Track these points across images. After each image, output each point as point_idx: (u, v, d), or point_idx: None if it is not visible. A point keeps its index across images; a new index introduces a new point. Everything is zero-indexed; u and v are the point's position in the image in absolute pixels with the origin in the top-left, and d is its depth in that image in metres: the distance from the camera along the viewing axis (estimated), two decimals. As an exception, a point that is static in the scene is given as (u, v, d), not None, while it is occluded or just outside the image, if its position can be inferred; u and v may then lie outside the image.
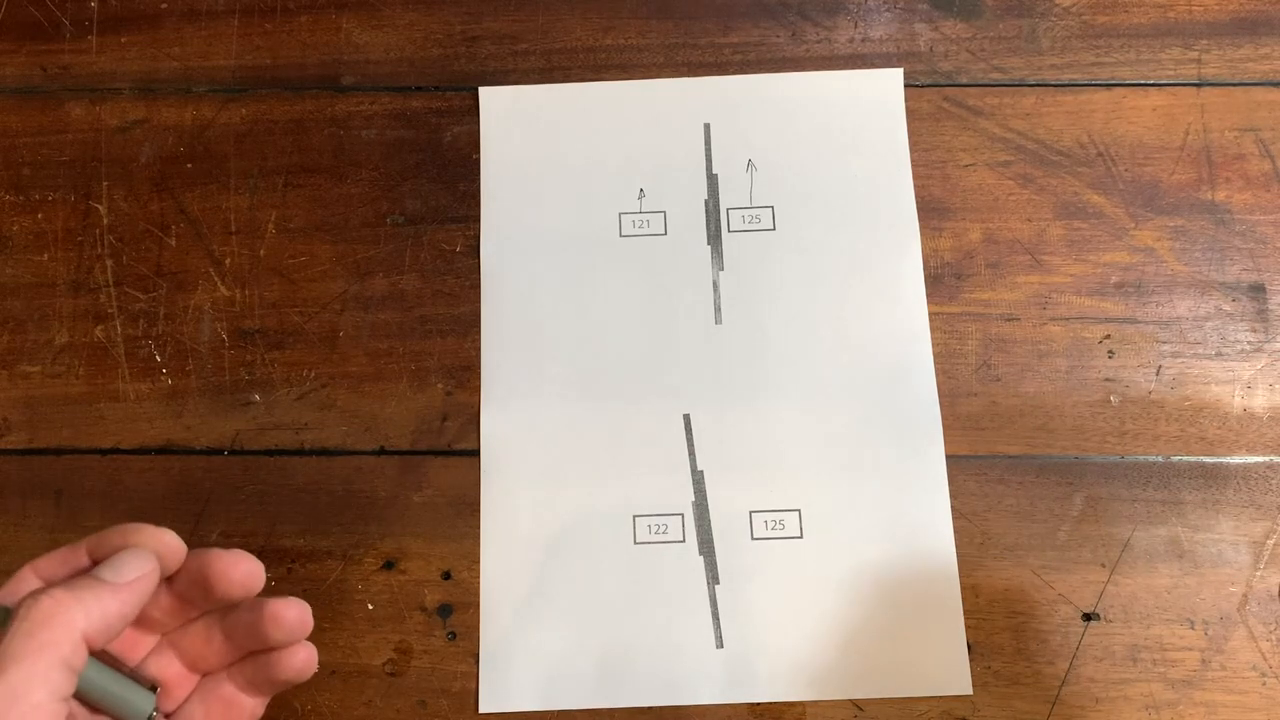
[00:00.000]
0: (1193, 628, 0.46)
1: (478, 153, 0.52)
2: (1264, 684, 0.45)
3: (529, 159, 0.52)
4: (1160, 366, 0.49)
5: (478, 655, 0.46)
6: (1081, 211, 0.51)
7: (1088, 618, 0.46)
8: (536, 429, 0.48)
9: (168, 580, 0.34)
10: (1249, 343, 0.49)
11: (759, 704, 0.45)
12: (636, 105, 0.52)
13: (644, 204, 0.51)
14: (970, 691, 0.45)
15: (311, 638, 0.46)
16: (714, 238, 0.51)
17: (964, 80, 0.53)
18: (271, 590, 0.47)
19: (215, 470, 0.48)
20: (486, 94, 0.53)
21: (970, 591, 0.46)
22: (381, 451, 0.49)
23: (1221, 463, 0.48)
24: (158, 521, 0.48)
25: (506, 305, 0.50)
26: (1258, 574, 0.47)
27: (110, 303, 0.50)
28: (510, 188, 0.52)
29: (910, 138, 0.52)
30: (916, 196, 0.51)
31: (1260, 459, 0.48)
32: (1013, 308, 0.50)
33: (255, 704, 0.36)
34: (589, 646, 0.46)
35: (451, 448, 0.49)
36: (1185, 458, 0.48)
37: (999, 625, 0.46)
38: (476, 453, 0.48)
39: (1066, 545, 0.47)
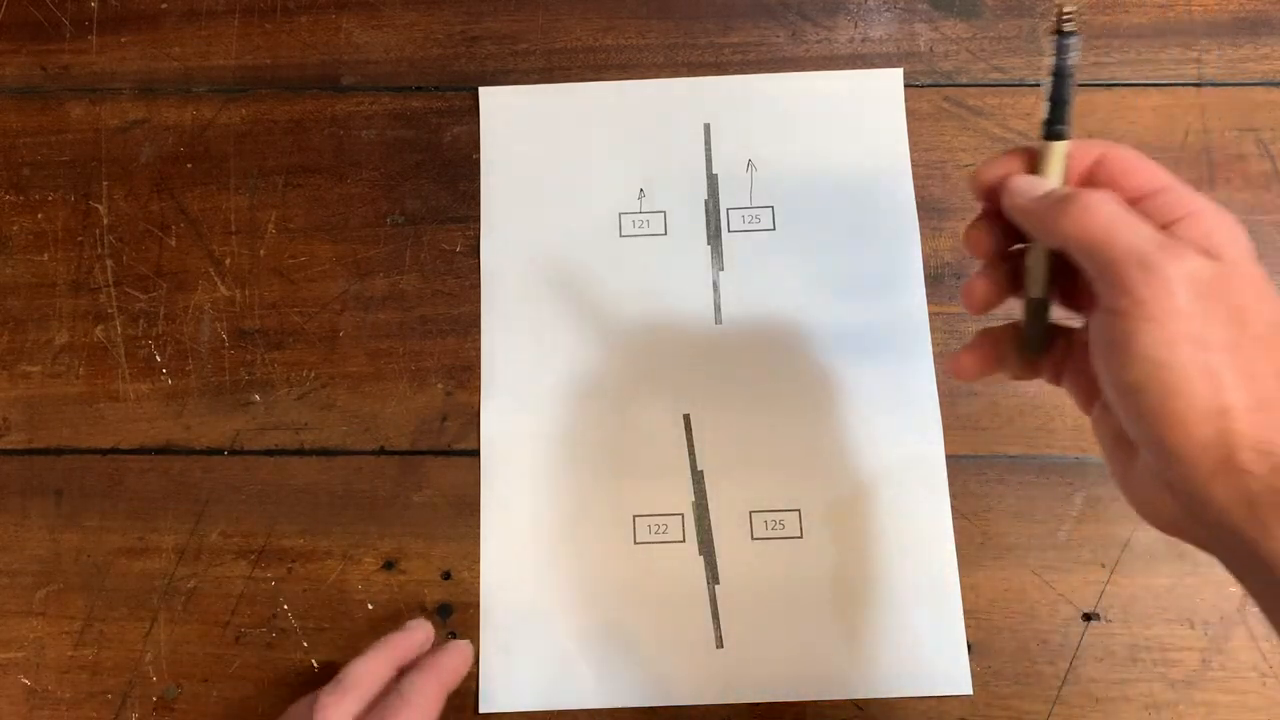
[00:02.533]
0: (1193, 628, 0.46)
1: (478, 153, 0.52)
2: (1264, 684, 0.45)
3: (529, 159, 0.52)
4: (1160, 366, 0.49)
5: (478, 655, 0.46)
6: (1081, 211, 0.51)
7: (1088, 618, 0.46)
8: (536, 429, 0.48)
9: None
10: (1249, 343, 0.49)
11: (759, 704, 0.45)
12: (637, 105, 0.52)
13: (644, 204, 0.51)
14: (970, 691, 0.45)
15: (311, 638, 0.47)
16: (714, 238, 0.51)
17: (964, 80, 0.53)
18: (272, 589, 0.47)
19: (215, 470, 0.48)
20: (486, 94, 0.53)
21: (970, 591, 0.46)
22: (381, 451, 0.49)
23: (1221, 463, 0.48)
24: (157, 521, 0.48)
25: (506, 305, 0.50)
26: (1258, 574, 0.46)
27: (110, 303, 0.50)
28: (510, 188, 0.52)
29: (910, 138, 0.52)
30: (916, 196, 0.51)
31: (1260, 459, 0.48)
32: (1013, 307, 0.50)
33: None
34: (589, 646, 0.46)
35: (451, 448, 0.49)
36: (1185, 458, 0.48)
37: (999, 625, 0.46)
38: (476, 453, 0.48)
39: (1066, 545, 0.47)
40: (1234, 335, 0.28)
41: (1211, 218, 0.30)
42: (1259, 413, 0.28)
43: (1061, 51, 0.33)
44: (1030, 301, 0.36)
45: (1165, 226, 0.30)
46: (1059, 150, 0.33)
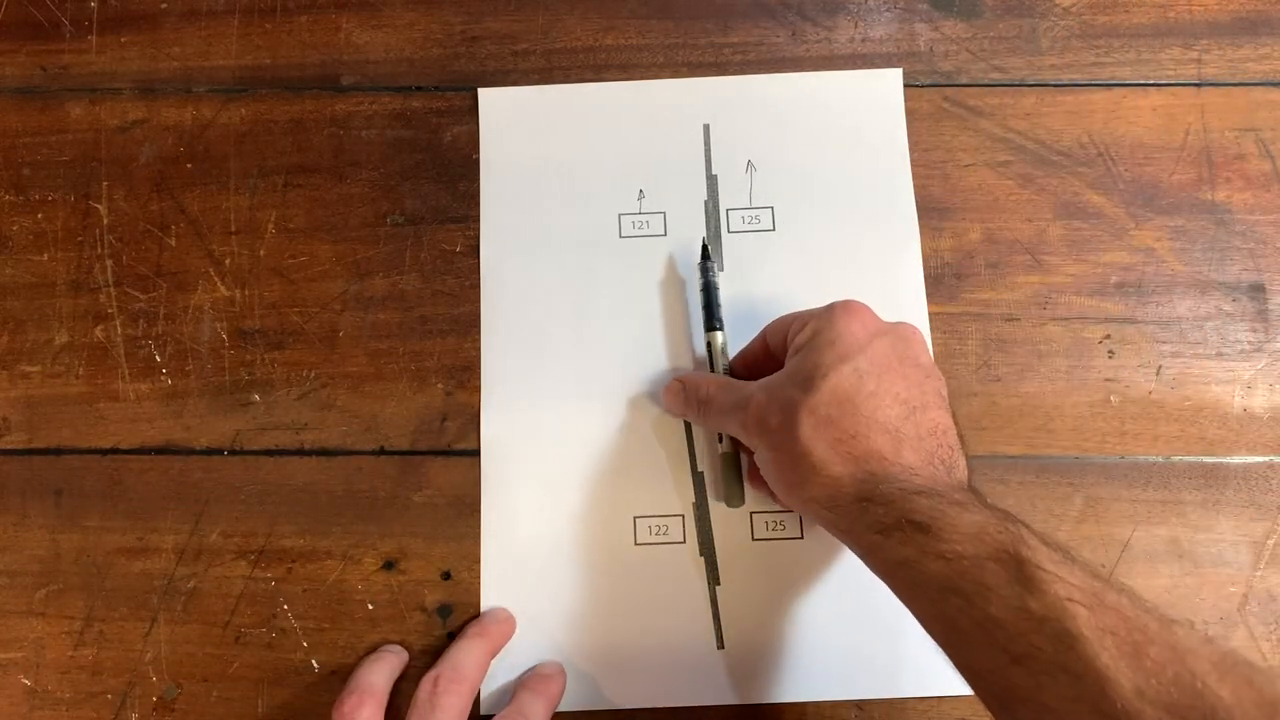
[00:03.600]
0: (1192, 628, 0.46)
1: (477, 153, 0.52)
2: (1264, 684, 0.45)
3: (529, 160, 0.52)
4: (1160, 366, 0.49)
5: (478, 655, 0.46)
6: (1081, 211, 0.51)
7: (1088, 618, 0.46)
8: (537, 429, 0.48)
9: None
10: (1249, 343, 0.49)
11: (760, 704, 0.45)
12: (636, 106, 0.52)
13: (644, 205, 0.51)
14: (972, 692, 0.45)
15: (311, 638, 0.47)
16: (714, 238, 0.51)
17: (964, 80, 0.53)
18: (272, 589, 0.47)
19: (215, 470, 0.48)
20: (486, 95, 0.52)
21: (970, 591, 0.46)
22: (381, 451, 0.49)
23: (1221, 463, 0.48)
24: (157, 521, 0.48)
25: (507, 305, 0.50)
26: (1258, 574, 0.47)
27: (110, 303, 0.50)
28: (510, 189, 0.51)
29: (910, 138, 0.52)
30: (916, 196, 0.51)
31: (1260, 459, 0.48)
32: (1013, 308, 0.50)
33: None
34: (589, 647, 0.46)
35: (451, 448, 0.49)
36: (1185, 458, 0.48)
37: (999, 625, 0.46)
38: (476, 453, 0.48)
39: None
40: (784, 432, 0.39)
41: (807, 327, 0.42)
42: (814, 479, 0.38)
43: (706, 272, 0.48)
44: (723, 457, 0.47)
45: (791, 342, 0.43)
46: (719, 337, 0.47)
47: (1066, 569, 0.33)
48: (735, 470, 0.47)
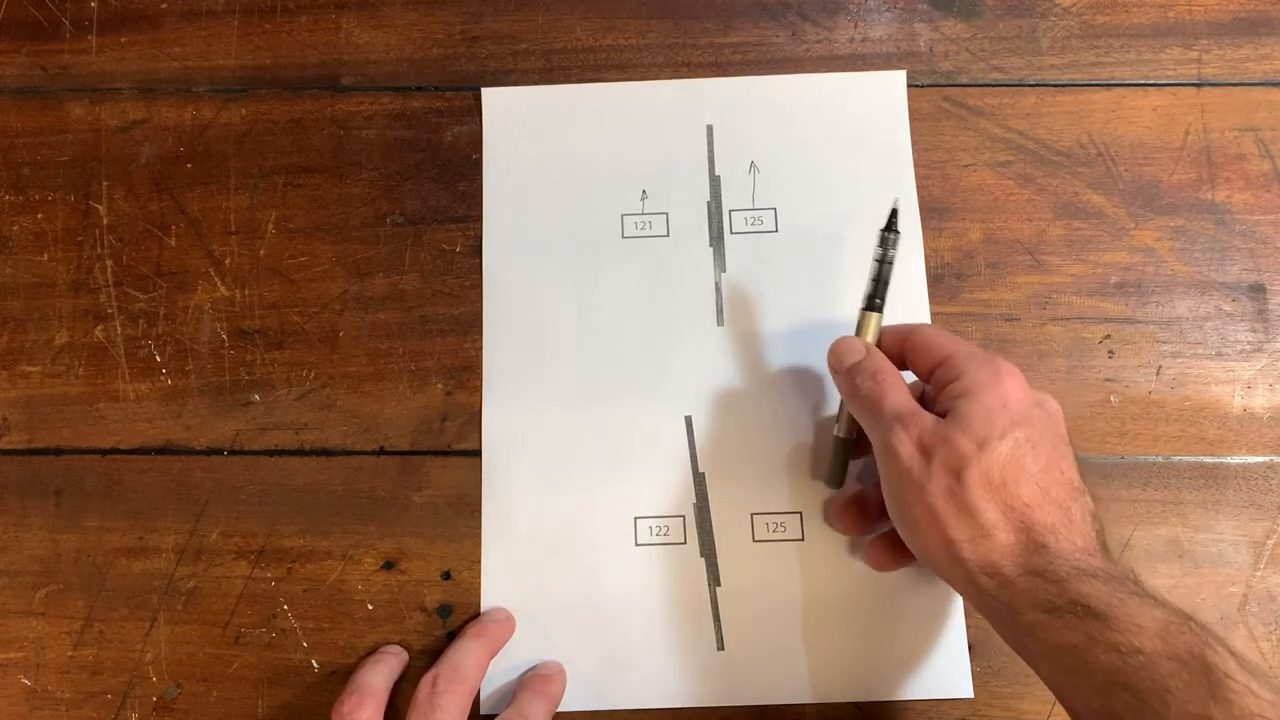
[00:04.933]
0: (1193, 628, 0.46)
1: (477, 153, 0.52)
2: (1264, 684, 0.45)
3: (532, 160, 0.52)
4: (1160, 366, 0.49)
5: (478, 655, 0.46)
6: (1081, 211, 0.51)
7: (1088, 618, 0.46)
8: (538, 430, 0.48)
9: None
10: (1249, 343, 0.49)
11: (760, 706, 0.45)
12: (639, 106, 0.52)
13: (646, 205, 0.51)
14: (971, 695, 0.45)
15: (311, 638, 0.47)
16: (716, 239, 0.51)
17: (964, 80, 0.53)
18: (272, 589, 0.47)
19: (215, 470, 0.48)
20: (489, 95, 0.52)
21: (970, 592, 0.46)
22: (381, 451, 0.49)
23: (1221, 463, 0.48)
24: (157, 521, 0.48)
25: (509, 305, 0.50)
26: (1258, 574, 0.47)
27: (110, 303, 0.50)
28: (513, 188, 0.51)
29: (910, 138, 0.52)
30: (916, 196, 0.51)
31: (1260, 459, 0.48)
32: (1013, 308, 0.50)
33: None
34: (589, 648, 0.46)
35: (451, 448, 0.49)
36: (1185, 458, 0.48)
37: (999, 625, 0.46)
38: (476, 453, 0.48)
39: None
40: (950, 481, 0.38)
41: (967, 377, 0.39)
42: (980, 540, 0.37)
43: (886, 244, 0.44)
44: (836, 441, 0.45)
45: (944, 386, 0.40)
46: (875, 319, 0.44)
47: (1256, 681, 0.31)
48: (845, 456, 0.46)
